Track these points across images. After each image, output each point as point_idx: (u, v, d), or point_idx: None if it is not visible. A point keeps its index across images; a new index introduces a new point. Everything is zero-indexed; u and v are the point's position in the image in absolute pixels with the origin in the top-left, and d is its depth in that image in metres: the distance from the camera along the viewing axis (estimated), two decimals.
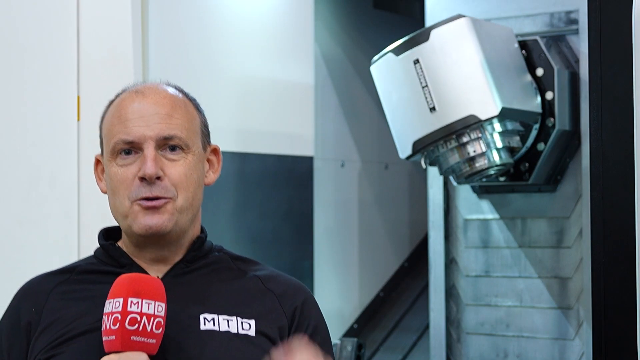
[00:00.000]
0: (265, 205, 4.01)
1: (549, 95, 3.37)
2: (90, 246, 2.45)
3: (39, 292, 1.92)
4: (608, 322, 3.20)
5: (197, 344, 1.81)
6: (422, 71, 3.18)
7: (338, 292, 4.69)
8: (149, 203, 1.85)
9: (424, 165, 3.32)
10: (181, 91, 2.02)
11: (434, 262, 3.72)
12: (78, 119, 3.30)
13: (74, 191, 3.28)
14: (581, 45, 3.41)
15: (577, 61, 3.44)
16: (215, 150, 2.02)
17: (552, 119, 3.37)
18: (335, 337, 4.39)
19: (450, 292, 3.71)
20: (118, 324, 1.68)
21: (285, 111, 4.11)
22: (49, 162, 3.23)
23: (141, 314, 1.69)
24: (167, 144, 1.88)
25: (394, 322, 4.90)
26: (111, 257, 1.92)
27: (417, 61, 3.19)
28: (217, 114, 3.76)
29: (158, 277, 1.83)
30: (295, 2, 4.18)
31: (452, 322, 3.70)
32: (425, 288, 4.75)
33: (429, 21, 3.65)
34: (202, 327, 1.83)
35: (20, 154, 3.17)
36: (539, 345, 3.52)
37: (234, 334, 1.84)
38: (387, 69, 3.29)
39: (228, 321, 1.85)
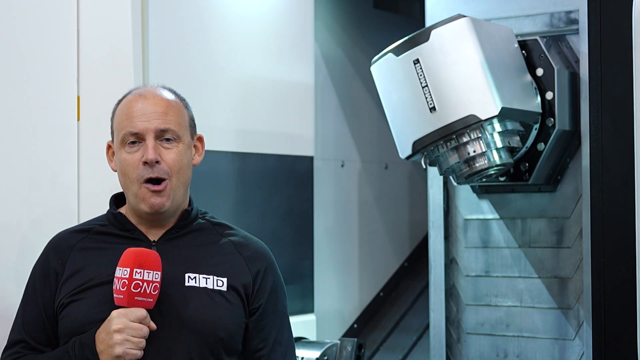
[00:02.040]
0: (265, 205, 4.01)
1: (549, 95, 3.37)
2: None
3: (64, 246, 2.46)
4: (608, 322, 3.20)
5: (182, 298, 2.38)
6: (422, 71, 3.18)
7: (338, 292, 4.69)
8: (155, 187, 2.40)
9: (424, 165, 3.32)
10: (174, 93, 2.53)
11: (434, 262, 3.72)
12: (78, 119, 3.30)
13: (74, 191, 3.28)
14: (581, 45, 3.41)
15: (577, 61, 3.44)
16: (200, 139, 2.56)
17: (552, 119, 3.37)
18: (335, 337, 4.39)
19: (450, 292, 3.71)
20: (125, 287, 2.28)
21: (285, 111, 4.11)
22: (49, 162, 3.23)
23: (142, 281, 2.29)
24: (163, 136, 2.42)
25: (394, 322, 4.90)
26: (119, 222, 2.47)
27: (417, 61, 3.19)
28: (217, 114, 3.76)
29: (154, 241, 2.44)
30: (295, 2, 4.18)
31: (452, 322, 3.70)
32: (425, 288, 4.75)
33: (429, 21, 3.65)
34: (186, 283, 2.40)
35: (20, 154, 3.16)
36: (539, 345, 3.52)
37: (211, 289, 2.41)
38: (387, 69, 3.29)
39: (206, 279, 2.42)
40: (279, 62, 4.09)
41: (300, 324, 4.11)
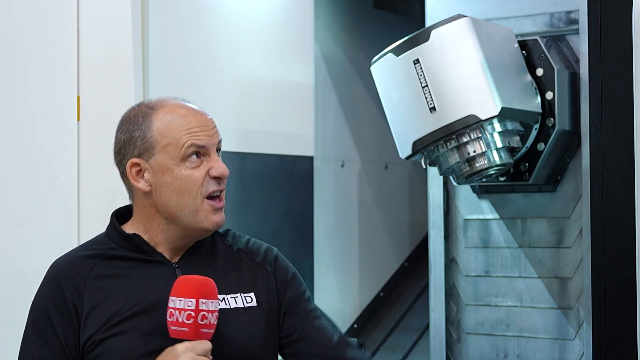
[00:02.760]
0: (265, 205, 4.01)
1: (549, 95, 3.37)
2: None
3: (76, 275, 2.24)
4: (608, 322, 3.20)
5: (219, 322, 2.21)
6: (422, 71, 3.17)
7: (338, 292, 4.69)
8: (219, 204, 2.29)
9: (424, 165, 3.32)
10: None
11: (434, 262, 3.72)
12: (78, 119, 3.30)
13: (74, 191, 3.28)
14: (581, 45, 3.41)
15: (577, 61, 3.44)
16: None
17: (552, 119, 3.37)
18: None
19: (450, 292, 3.71)
20: (192, 319, 2.15)
21: (285, 111, 4.11)
22: (49, 162, 3.23)
23: (208, 311, 2.17)
24: (218, 149, 2.33)
25: (394, 322, 4.90)
26: (135, 245, 2.28)
27: (417, 61, 3.19)
28: (217, 114, 3.75)
29: (176, 262, 2.29)
30: (295, 2, 4.18)
31: (452, 322, 3.70)
32: (425, 288, 4.75)
33: (429, 21, 3.65)
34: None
35: (20, 154, 3.17)
36: (539, 345, 3.52)
37: (242, 308, 2.29)
38: (387, 69, 3.29)
39: (235, 298, 2.29)
40: (279, 62, 4.10)
41: None
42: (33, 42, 3.21)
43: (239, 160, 3.88)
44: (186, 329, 2.17)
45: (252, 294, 2.33)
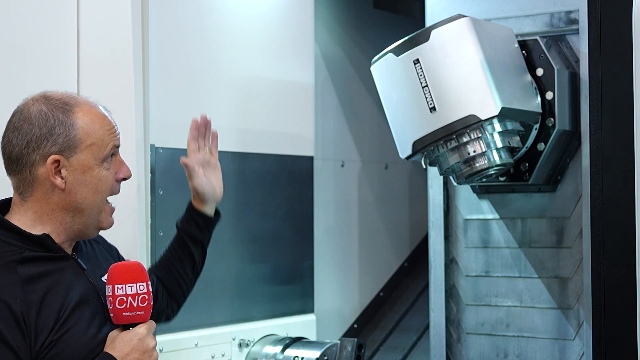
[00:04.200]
0: (265, 205, 4.01)
1: (549, 95, 3.37)
2: None
3: (9, 284, 2.20)
4: (608, 322, 3.20)
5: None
6: (422, 71, 3.17)
7: (338, 292, 4.69)
8: (112, 206, 2.39)
9: (424, 165, 3.32)
10: None
11: (434, 262, 3.72)
12: None
13: None
14: (581, 45, 3.41)
15: (577, 61, 3.44)
16: None
17: (552, 119, 3.37)
18: (335, 337, 4.39)
19: (450, 292, 3.71)
20: (146, 302, 2.26)
21: (285, 111, 4.11)
22: None
23: (151, 293, 2.29)
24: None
25: (394, 322, 4.90)
26: (44, 245, 2.29)
27: (417, 61, 3.19)
28: (217, 114, 3.75)
29: (73, 254, 2.36)
30: (295, 2, 4.18)
31: (452, 322, 3.70)
32: (425, 288, 4.75)
33: (429, 21, 3.65)
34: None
35: None
36: (539, 345, 3.52)
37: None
38: (387, 69, 3.29)
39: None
40: (279, 62, 4.09)
41: (300, 324, 4.11)
42: (33, 42, 3.21)
43: (239, 160, 3.88)
44: (141, 312, 2.27)
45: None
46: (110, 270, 2.29)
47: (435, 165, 3.33)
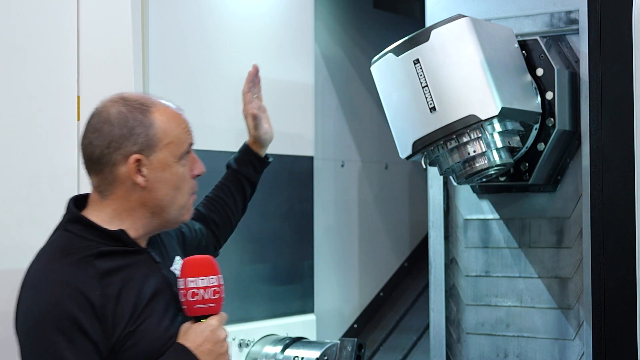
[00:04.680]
0: (265, 205, 4.00)
1: (549, 95, 3.37)
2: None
3: (88, 277, 2.28)
4: (608, 322, 3.20)
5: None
6: (422, 71, 3.17)
7: (338, 292, 4.69)
8: (195, 199, 2.50)
9: (424, 165, 3.32)
10: None
11: (434, 262, 3.72)
12: (78, 119, 3.30)
13: (74, 191, 3.28)
14: (581, 45, 3.41)
15: (577, 61, 3.44)
16: None
17: (552, 119, 3.37)
18: (335, 337, 4.39)
19: (450, 292, 3.71)
20: (217, 294, 2.35)
21: (285, 111, 4.10)
22: (49, 162, 3.23)
23: (223, 285, 2.38)
24: None
25: (394, 322, 4.90)
26: (119, 241, 2.37)
27: (417, 61, 3.19)
28: (217, 114, 3.76)
29: (146, 248, 2.43)
30: (295, 2, 4.18)
31: (452, 322, 3.70)
32: (425, 288, 4.75)
33: (429, 21, 3.65)
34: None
35: (20, 154, 3.17)
36: (539, 345, 3.52)
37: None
38: (387, 69, 3.29)
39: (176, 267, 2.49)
40: (279, 62, 4.09)
41: (300, 324, 4.11)
42: (33, 42, 3.21)
43: None
44: (213, 305, 2.36)
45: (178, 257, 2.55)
46: (183, 264, 2.39)
47: (435, 165, 3.33)
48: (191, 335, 2.34)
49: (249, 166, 3.18)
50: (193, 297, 2.34)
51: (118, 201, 2.39)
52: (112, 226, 2.38)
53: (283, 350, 3.79)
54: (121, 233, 2.38)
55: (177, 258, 2.55)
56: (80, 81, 3.30)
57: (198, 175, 2.48)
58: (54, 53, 3.27)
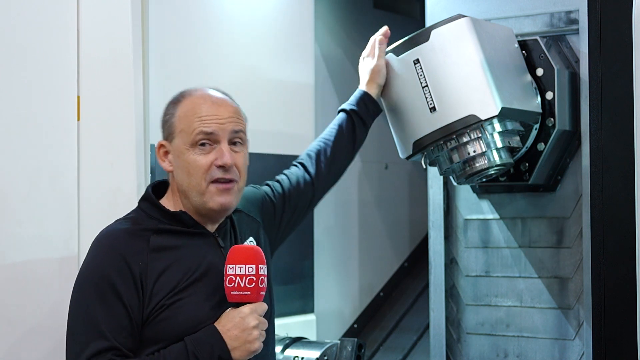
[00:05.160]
0: None
1: (549, 95, 3.37)
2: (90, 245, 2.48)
3: (137, 248, 2.45)
4: (608, 322, 3.21)
5: None
6: (422, 71, 3.17)
7: (338, 292, 4.69)
8: (225, 186, 2.51)
9: (424, 165, 3.32)
10: (230, 97, 2.66)
11: (434, 262, 3.72)
12: (78, 119, 3.30)
13: (74, 191, 3.28)
14: (581, 45, 3.41)
15: (577, 61, 3.44)
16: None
17: (552, 119, 3.37)
18: (335, 337, 4.39)
19: (451, 292, 3.71)
20: (253, 283, 2.42)
21: (285, 111, 4.11)
22: (49, 162, 3.23)
23: (264, 276, 2.45)
24: (234, 139, 2.55)
25: (394, 322, 4.90)
26: (182, 221, 2.53)
27: (417, 61, 3.19)
28: None
29: (214, 233, 2.57)
30: (295, 2, 4.18)
31: (452, 322, 3.71)
32: (425, 288, 4.75)
33: (429, 21, 3.65)
34: None
35: (20, 154, 3.17)
36: (539, 345, 3.52)
37: None
38: (387, 69, 3.29)
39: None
40: (279, 62, 4.10)
41: (300, 324, 4.11)
42: (33, 42, 3.21)
43: None
44: (248, 293, 2.43)
45: (252, 239, 2.71)
46: (229, 251, 2.47)
47: (435, 165, 3.33)
48: (223, 319, 2.44)
49: (362, 108, 3.21)
50: (230, 284, 2.42)
51: (172, 185, 2.59)
52: (175, 207, 2.55)
53: (283, 350, 3.79)
54: (182, 214, 2.54)
55: (250, 239, 2.69)
56: (80, 81, 3.30)
57: (221, 166, 2.51)
58: (54, 53, 3.27)
